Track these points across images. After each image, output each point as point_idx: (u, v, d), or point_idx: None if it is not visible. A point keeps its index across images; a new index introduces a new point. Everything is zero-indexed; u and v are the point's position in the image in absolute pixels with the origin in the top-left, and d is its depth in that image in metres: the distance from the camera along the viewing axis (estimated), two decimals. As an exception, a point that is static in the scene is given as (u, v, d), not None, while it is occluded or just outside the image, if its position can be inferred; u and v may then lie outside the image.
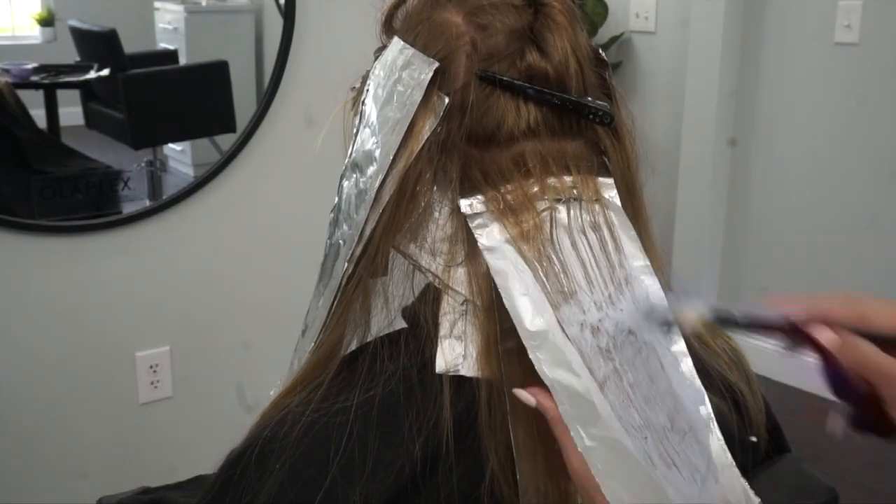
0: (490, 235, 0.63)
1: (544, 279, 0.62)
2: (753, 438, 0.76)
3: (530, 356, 0.60)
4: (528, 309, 0.61)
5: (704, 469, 0.63)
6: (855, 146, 2.87)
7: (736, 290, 3.26)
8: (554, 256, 0.63)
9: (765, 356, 3.33)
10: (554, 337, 0.60)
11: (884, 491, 2.47)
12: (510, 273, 0.62)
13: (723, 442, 0.65)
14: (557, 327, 0.61)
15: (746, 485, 0.66)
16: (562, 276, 0.63)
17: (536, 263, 0.62)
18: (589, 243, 0.64)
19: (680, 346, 0.65)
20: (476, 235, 0.63)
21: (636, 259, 0.65)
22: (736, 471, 0.65)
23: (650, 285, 0.65)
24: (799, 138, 3.01)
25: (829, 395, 0.60)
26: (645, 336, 0.64)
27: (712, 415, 0.65)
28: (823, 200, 2.97)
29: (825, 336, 0.58)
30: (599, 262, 0.64)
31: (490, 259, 0.63)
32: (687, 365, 0.65)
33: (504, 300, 0.61)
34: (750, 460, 0.76)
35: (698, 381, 0.65)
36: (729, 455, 0.65)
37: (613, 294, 0.64)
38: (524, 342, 0.60)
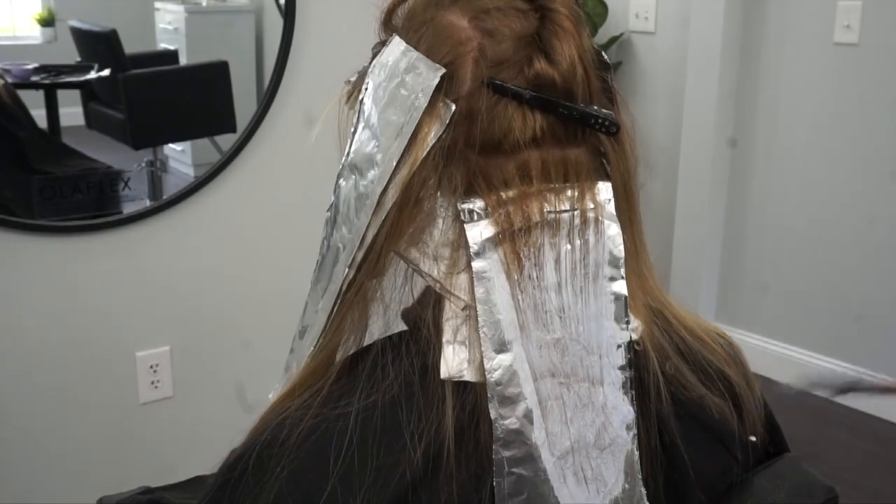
0: (480, 242, 0.63)
1: (520, 296, 0.63)
2: (753, 438, 0.76)
3: (486, 378, 0.63)
4: (502, 329, 0.63)
5: (612, 483, 0.66)
6: (855, 146, 2.87)
7: (736, 290, 3.26)
8: (535, 273, 0.64)
9: (765, 356, 3.32)
10: (516, 364, 0.63)
11: (884, 491, 2.48)
12: (493, 282, 0.63)
13: (637, 459, 0.67)
14: (523, 356, 0.63)
15: (646, 501, 0.68)
16: (538, 292, 0.64)
17: (517, 276, 0.63)
18: (573, 256, 0.65)
19: (625, 369, 0.67)
20: (468, 240, 0.64)
21: (613, 273, 0.66)
22: (640, 485, 0.68)
23: (615, 300, 0.67)
24: (799, 138, 3.01)
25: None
26: (595, 349, 0.66)
27: (636, 434, 0.67)
28: (823, 200, 2.97)
29: None
30: (577, 275, 0.65)
31: (476, 265, 0.63)
32: (627, 385, 0.67)
33: (482, 311, 0.63)
34: (750, 459, 0.76)
35: (630, 401, 0.67)
36: (639, 470, 0.67)
37: (581, 309, 0.65)
38: (486, 363, 0.63)
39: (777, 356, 3.09)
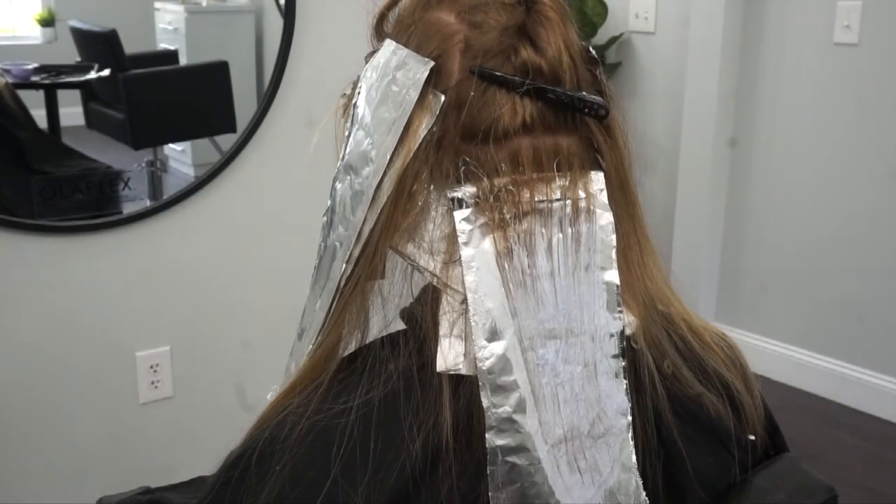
0: (468, 230, 0.64)
1: (511, 284, 0.64)
2: (751, 437, 0.76)
3: (478, 366, 0.63)
4: (493, 318, 0.63)
5: (607, 472, 0.66)
6: (854, 146, 2.87)
7: (736, 290, 3.26)
8: (527, 261, 0.64)
9: (765, 356, 3.32)
10: (509, 352, 0.63)
11: (884, 491, 2.48)
12: (482, 271, 0.63)
13: (632, 448, 0.67)
14: (515, 344, 0.63)
15: (642, 491, 0.68)
16: (529, 280, 0.64)
17: (507, 264, 0.63)
18: (565, 245, 0.65)
19: (619, 358, 0.67)
20: (457, 230, 0.64)
21: (605, 262, 0.67)
22: (636, 475, 0.67)
23: (606, 289, 0.67)
24: (798, 138, 3.01)
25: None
26: (588, 337, 0.66)
27: (631, 424, 0.67)
28: (823, 200, 2.97)
29: None
30: (569, 264, 0.65)
31: (464, 253, 0.63)
32: (620, 374, 0.67)
33: (471, 300, 0.63)
34: (749, 459, 0.76)
35: (625, 390, 0.67)
36: (634, 460, 0.67)
37: (573, 297, 0.65)
38: (477, 352, 0.63)
39: (777, 356, 3.09)
